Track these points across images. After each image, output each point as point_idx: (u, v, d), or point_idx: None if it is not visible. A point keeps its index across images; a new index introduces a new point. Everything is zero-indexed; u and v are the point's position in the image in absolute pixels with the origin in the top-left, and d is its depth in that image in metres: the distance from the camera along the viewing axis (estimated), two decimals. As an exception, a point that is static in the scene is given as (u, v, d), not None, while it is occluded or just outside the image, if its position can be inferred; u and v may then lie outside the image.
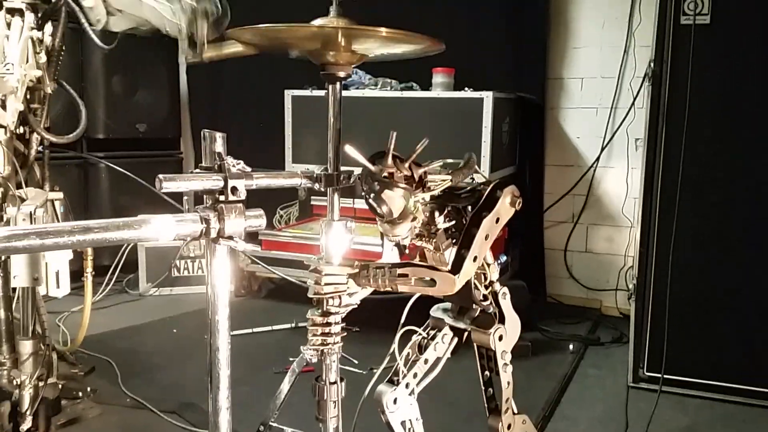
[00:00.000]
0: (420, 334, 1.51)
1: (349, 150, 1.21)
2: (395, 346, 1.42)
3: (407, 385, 1.45)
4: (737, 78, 2.40)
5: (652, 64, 2.46)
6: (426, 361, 1.51)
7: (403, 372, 1.45)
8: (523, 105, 3.60)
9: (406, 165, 1.26)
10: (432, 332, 1.56)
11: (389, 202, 1.24)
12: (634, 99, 3.43)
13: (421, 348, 1.52)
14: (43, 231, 0.99)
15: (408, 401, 1.46)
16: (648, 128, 2.50)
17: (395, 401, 1.42)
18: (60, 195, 2.17)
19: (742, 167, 2.42)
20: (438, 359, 1.52)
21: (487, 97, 3.11)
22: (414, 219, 1.31)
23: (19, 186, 2.04)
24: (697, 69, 2.39)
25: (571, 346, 3.02)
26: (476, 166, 1.41)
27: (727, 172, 2.44)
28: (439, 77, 3.31)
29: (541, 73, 3.63)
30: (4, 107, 1.93)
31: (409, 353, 1.49)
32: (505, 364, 1.52)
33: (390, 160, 1.25)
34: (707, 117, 2.42)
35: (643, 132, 2.53)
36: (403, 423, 1.45)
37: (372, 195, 1.25)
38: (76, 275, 2.19)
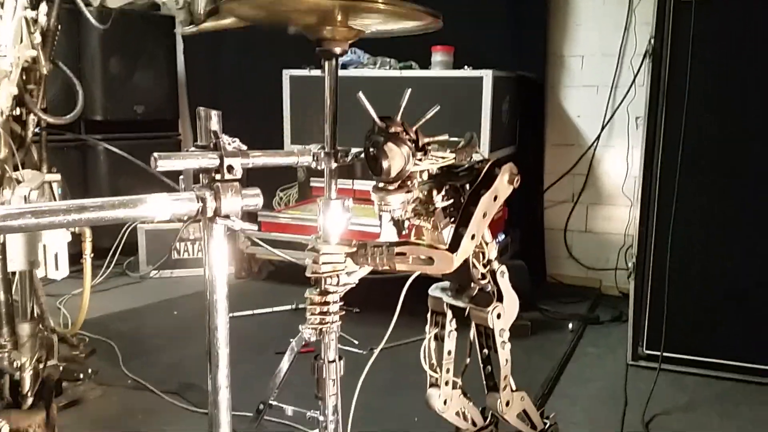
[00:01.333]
0: (429, 336, 1.55)
1: (362, 98, 1.21)
2: (391, 327, 1.44)
3: (447, 383, 1.55)
4: (738, 54, 2.38)
5: (652, 41, 2.44)
6: (450, 353, 1.55)
7: (437, 374, 1.53)
8: (523, 83, 3.58)
9: (413, 129, 1.27)
10: (438, 319, 1.58)
11: (390, 156, 1.24)
12: (635, 77, 3.40)
13: (438, 339, 1.56)
14: (38, 210, 0.98)
15: (455, 394, 1.57)
16: (648, 106, 2.48)
17: (445, 402, 1.54)
18: (57, 177, 2.16)
19: (743, 145, 2.41)
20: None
21: (487, 75, 3.09)
22: (408, 191, 1.31)
23: (16, 168, 2.03)
24: (697, 46, 2.37)
25: (570, 325, 3.03)
26: (477, 146, 1.41)
27: (728, 149, 2.43)
28: (438, 56, 3.29)
29: (541, 50, 3.60)
30: (-3, 90, 1.92)
31: (430, 356, 1.55)
32: (504, 342, 1.52)
33: (399, 118, 1.25)
34: (708, 94, 2.41)
35: (643, 110, 2.51)
36: (457, 413, 1.58)
37: (375, 147, 1.25)
38: (76, 258, 2.20)
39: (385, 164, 1.25)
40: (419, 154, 1.30)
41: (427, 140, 1.30)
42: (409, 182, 1.31)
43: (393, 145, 1.25)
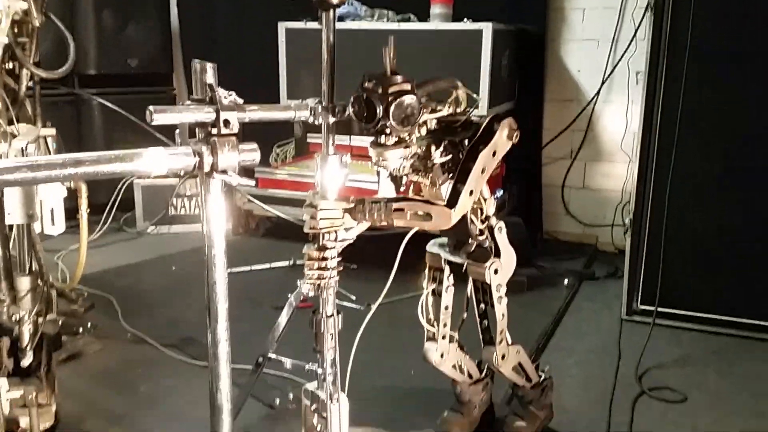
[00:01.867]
0: (426, 292, 1.59)
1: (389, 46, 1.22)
2: (389, 283, 1.45)
3: (444, 337, 1.59)
4: (741, 7, 2.34)
5: (654, -6, 2.40)
6: (447, 308, 1.58)
7: (435, 328, 1.58)
8: (523, 37, 3.52)
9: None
10: (435, 274, 1.59)
11: (406, 107, 1.25)
12: (636, 30, 3.35)
13: (435, 294, 1.60)
14: (35, 164, 0.97)
15: (452, 348, 1.63)
16: (649, 61, 2.45)
17: (442, 356, 1.60)
18: (52, 131, 2.14)
19: (743, 100, 2.39)
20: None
21: (487, 28, 3.04)
22: (406, 147, 1.31)
23: (10, 122, 2.01)
24: (700, -1, 2.34)
25: (566, 281, 3.05)
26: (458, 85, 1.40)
27: (729, 106, 2.41)
28: (437, 8, 3.23)
29: (542, 2, 3.53)
30: (-12, 41, 1.88)
31: (428, 311, 1.59)
32: (500, 296, 1.54)
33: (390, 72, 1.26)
34: (710, 48, 2.37)
35: (644, 65, 2.48)
36: (454, 366, 1.64)
37: (391, 98, 1.24)
38: (72, 213, 2.19)
39: (405, 113, 1.25)
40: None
41: (423, 89, 1.30)
42: (407, 137, 1.30)
43: (407, 98, 1.24)
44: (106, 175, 1.02)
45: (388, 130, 1.28)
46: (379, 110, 1.24)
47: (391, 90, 1.24)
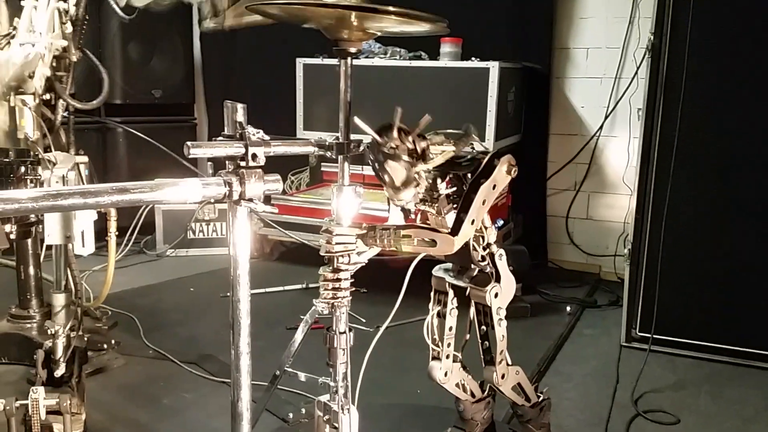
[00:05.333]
0: (432, 313, 1.69)
1: (359, 122, 1.34)
2: (396, 306, 1.57)
3: (448, 356, 1.69)
4: (735, 52, 2.47)
5: (651, 36, 2.54)
6: (451, 329, 1.69)
7: (439, 348, 1.68)
8: (529, 74, 3.67)
9: (410, 138, 1.37)
10: (440, 297, 1.71)
11: (392, 173, 1.37)
12: (637, 69, 3.49)
13: (440, 316, 1.70)
14: (87, 191, 1.10)
15: (456, 367, 1.72)
16: (647, 99, 2.58)
17: (446, 374, 1.69)
18: (85, 159, 2.29)
19: (736, 138, 2.51)
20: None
21: (494, 67, 3.19)
22: (417, 185, 1.43)
23: (46, 150, 2.16)
24: (695, 41, 2.47)
25: (568, 308, 3.15)
26: (474, 136, 1.53)
27: (721, 143, 2.53)
28: (447, 47, 3.39)
29: (547, 42, 3.69)
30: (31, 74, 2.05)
31: (433, 332, 1.69)
32: (500, 319, 1.65)
33: (395, 134, 1.37)
34: (704, 88, 2.50)
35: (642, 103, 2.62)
36: (457, 385, 1.73)
37: (377, 165, 1.38)
38: (98, 236, 2.32)
39: (387, 179, 1.38)
40: (419, 161, 1.42)
41: (425, 144, 1.42)
42: (416, 177, 1.43)
43: (393, 163, 1.38)
44: (148, 202, 1.16)
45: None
46: (385, 181, 1.38)
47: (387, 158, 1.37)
